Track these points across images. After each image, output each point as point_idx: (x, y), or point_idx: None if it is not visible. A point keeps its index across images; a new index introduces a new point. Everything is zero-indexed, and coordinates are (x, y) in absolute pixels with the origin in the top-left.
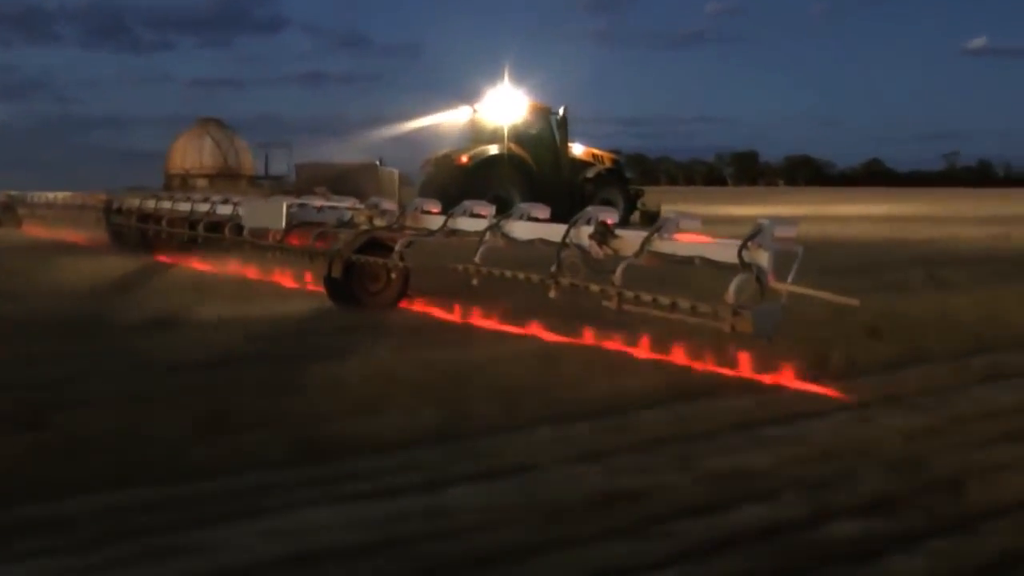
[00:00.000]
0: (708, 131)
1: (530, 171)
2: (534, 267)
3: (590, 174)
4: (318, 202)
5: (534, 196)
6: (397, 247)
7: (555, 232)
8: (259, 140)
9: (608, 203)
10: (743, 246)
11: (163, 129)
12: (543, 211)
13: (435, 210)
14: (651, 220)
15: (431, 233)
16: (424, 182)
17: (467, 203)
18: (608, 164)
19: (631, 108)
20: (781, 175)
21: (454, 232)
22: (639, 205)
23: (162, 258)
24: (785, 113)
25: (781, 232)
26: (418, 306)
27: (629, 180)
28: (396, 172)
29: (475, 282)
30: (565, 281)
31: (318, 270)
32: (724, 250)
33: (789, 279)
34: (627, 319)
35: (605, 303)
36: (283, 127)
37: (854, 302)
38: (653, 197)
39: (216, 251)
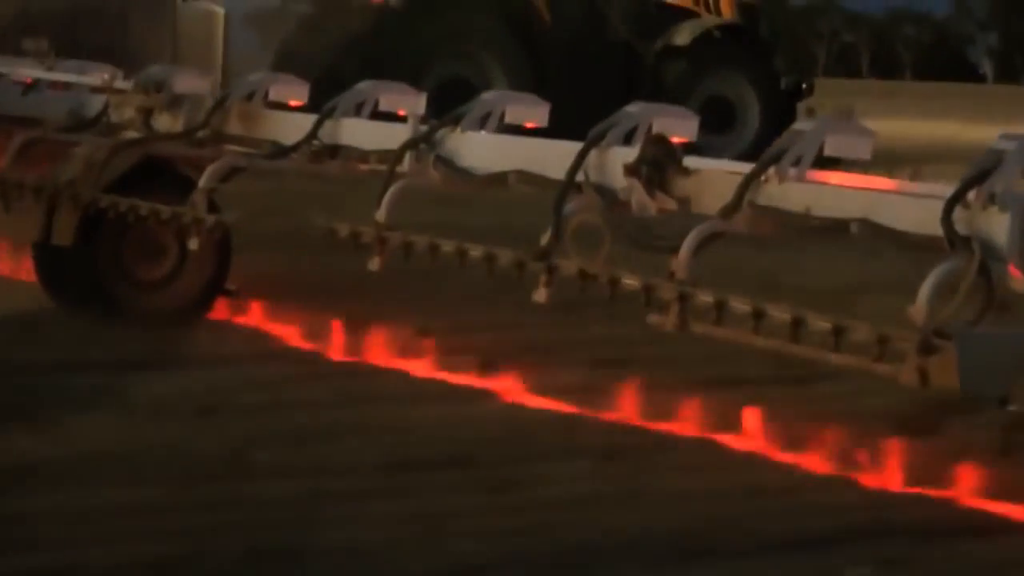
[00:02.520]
0: None
1: (531, 21)
2: (506, 236)
3: (681, 38)
4: (28, 72)
5: (538, 81)
6: (203, 180)
7: (554, 158)
8: None
9: (716, 103)
10: (954, 200)
11: None
12: (533, 111)
13: (295, 101)
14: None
15: (282, 152)
16: (286, 41)
17: (366, 87)
18: (728, 16)
19: None
20: None
21: (334, 151)
22: (800, 111)
23: None
24: None
25: None
26: (252, 316)
27: (773, 51)
28: (219, 11)
29: (375, 263)
30: (569, 265)
31: (24, 227)
32: (914, 207)
33: None
34: (698, 351)
35: (652, 320)
36: None
37: None
38: (829, 101)
39: None
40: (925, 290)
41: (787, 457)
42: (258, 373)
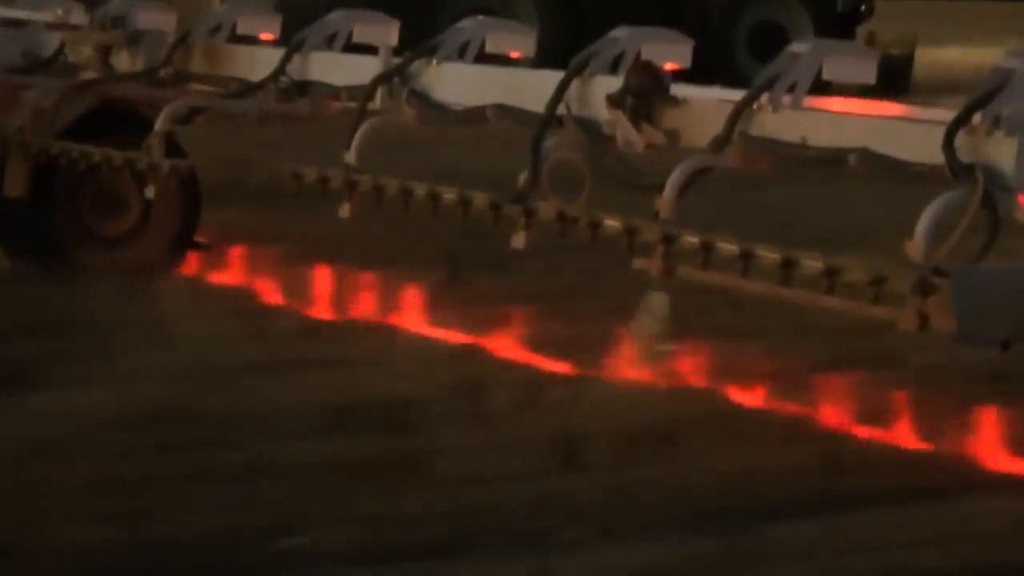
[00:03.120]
0: None
1: None
2: (487, 179)
3: None
4: None
5: (568, 9)
6: (159, 123)
7: (537, 89)
8: None
9: (765, 29)
10: (956, 125)
11: None
12: (518, 39)
13: (266, 34)
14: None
15: (246, 90)
16: None
17: (337, 16)
18: None
19: None
20: None
21: (303, 88)
22: (863, 43)
23: None
24: None
25: None
26: (229, 272)
27: None
28: None
29: (345, 210)
30: (548, 208)
31: None
32: (919, 134)
33: None
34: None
35: (637, 265)
36: None
37: None
38: (891, 26)
39: None
40: (923, 224)
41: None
42: (235, 338)
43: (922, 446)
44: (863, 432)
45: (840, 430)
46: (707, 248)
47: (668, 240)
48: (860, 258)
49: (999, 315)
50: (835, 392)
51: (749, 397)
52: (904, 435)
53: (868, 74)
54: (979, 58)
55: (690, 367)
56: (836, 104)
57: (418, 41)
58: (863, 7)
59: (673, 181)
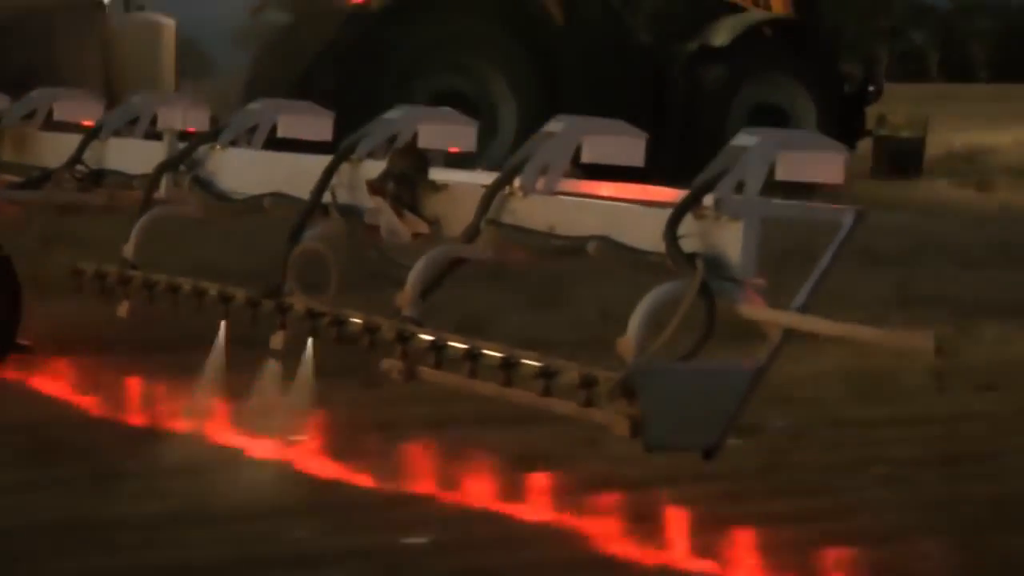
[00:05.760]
0: None
1: (540, 24)
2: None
3: (719, 37)
4: None
5: (549, 94)
6: None
7: (315, 176)
8: None
9: (764, 112)
10: (680, 211)
11: None
12: (314, 121)
13: (88, 120)
14: (901, 161)
15: (37, 181)
16: (260, 54)
17: (139, 100)
18: (779, 10)
19: None
20: None
21: (96, 177)
22: (874, 126)
23: None
24: None
25: (792, 166)
26: (42, 376)
27: (834, 51)
28: (167, 23)
29: (123, 308)
30: (297, 305)
31: None
32: (654, 221)
33: (800, 298)
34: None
35: (384, 366)
36: None
37: (926, 343)
38: (900, 107)
39: None
40: (636, 319)
41: None
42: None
43: None
44: None
45: None
46: (438, 347)
47: (404, 338)
48: (575, 359)
49: (695, 418)
50: None
51: None
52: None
53: (635, 155)
54: (993, 140)
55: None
56: (587, 186)
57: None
58: (871, 88)
59: (414, 276)
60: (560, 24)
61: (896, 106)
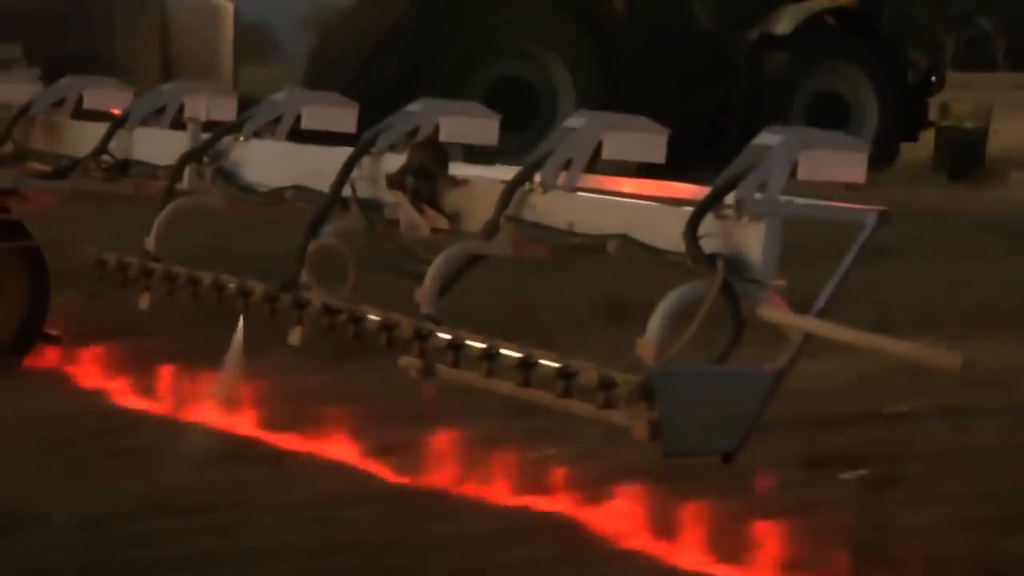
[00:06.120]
0: None
1: (601, 11)
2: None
3: (782, 25)
4: None
5: (610, 82)
6: None
7: (336, 168)
8: None
9: (825, 101)
10: (701, 210)
11: None
12: (337, 113)
13: (116, 108)
14: (962, 162)
15: (63, 171)
16: (322, 38)
17: (169, 89)
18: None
19: None
20: None
21: (122, 167)
22: (936, 116)
23: None
24: None
25: (814, 166)
26: (85, 369)
27: (897, 39)
28: (226, 6)
29: (144, 300)
30: (314, 301)
31: None
32: (666, 219)
33: (820, 301)
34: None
35: (402, 363)
36: None
37: (953, 361)
38: (966, 97)
39: None
40: (655, 321)
41: None
42: None
43: None
44: None
45: None
46: (456, 346)
47: (421, 336)
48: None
49: (715, 422)
50: None
51: None
52: None
53: (656, 152)
54: None
55: None
56: (611, 183)
57: None
58: (934, 78)
59: (433, 273)
60: (622, 11)
61: (960, 94)
